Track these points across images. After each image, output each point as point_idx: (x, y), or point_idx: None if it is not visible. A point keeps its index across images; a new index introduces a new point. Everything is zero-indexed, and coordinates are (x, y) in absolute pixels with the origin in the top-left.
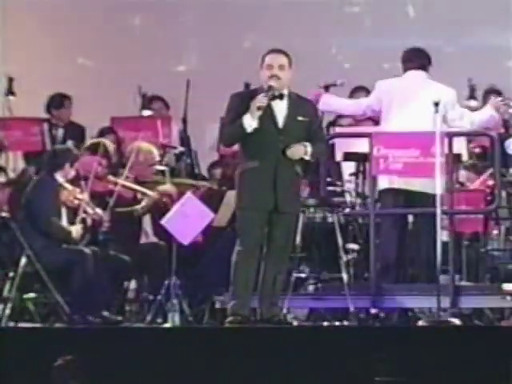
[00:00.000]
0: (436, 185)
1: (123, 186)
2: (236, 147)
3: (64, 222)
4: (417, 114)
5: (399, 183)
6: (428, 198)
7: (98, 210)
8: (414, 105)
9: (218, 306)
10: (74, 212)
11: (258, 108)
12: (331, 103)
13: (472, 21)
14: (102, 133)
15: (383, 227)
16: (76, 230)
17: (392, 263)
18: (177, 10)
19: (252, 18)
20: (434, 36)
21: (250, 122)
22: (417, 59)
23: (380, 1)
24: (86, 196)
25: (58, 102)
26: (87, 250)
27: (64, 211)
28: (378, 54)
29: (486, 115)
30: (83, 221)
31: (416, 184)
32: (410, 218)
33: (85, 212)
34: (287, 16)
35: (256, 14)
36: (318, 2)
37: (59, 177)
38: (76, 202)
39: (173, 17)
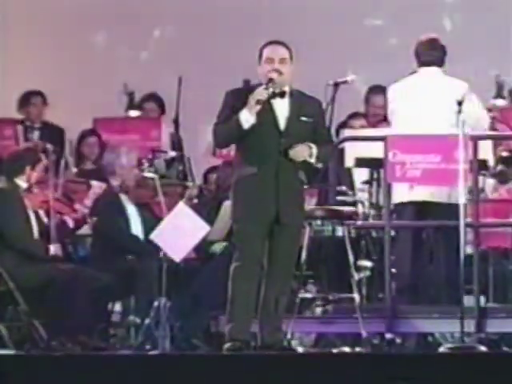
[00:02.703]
0: (459, 194)
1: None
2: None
3: (35, 230)
4: (432, 116)
5: (412, 195)
6: (445, 210)
7: (77, 206)
8: (429, 106)
9: (213, 330)
10: (47, 215)
11: (257, 102)
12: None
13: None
14: (84, 135)
15: (397, 242)
16: (54, 247)
17: (407, 282)
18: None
19: (252, 15)
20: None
21: (247, 118)
22: (430, 53)
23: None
24: (56, 195)
25: (24, 99)
26: (66, 268)
27: (33, 219)
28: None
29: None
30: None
31: (431, 194)
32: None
33: (59, 213)
34: (289, 10)
35: (255, 10)
36: None
37: (21, 182)
38: (45, 205)
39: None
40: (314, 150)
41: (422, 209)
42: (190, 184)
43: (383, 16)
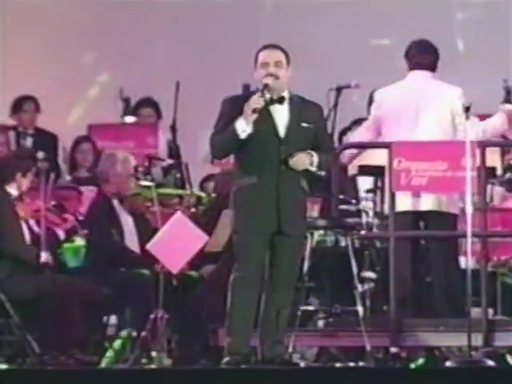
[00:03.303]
0: (466, 202)
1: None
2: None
3: (27, 239)
4: (426, 123)
5: (413, 204)
6: (444, 219)
7: (68, 216)
8: (422, 112)
9: (212, 343)
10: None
11: (254, 110)
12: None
13: None
14: (78, 142)
15: (396, 252)
16: (45, 255)
17: (409, 294)
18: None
19: (251, 17)
20: None
21: (243, 127)
22: (422, 56)
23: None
24: (48, 204)
25: (17, 104)
26: (59, 279)
27: (24, 228)
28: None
29: (499, 122)
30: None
31: (432, 203)
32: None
33: (52, 223)
34: (288, 14)
35: (255, 12)
36: None
37: (12, 190)
38: (36, 215)
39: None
40: (315, 157)
41: (420, 218)
42: (187, 193)
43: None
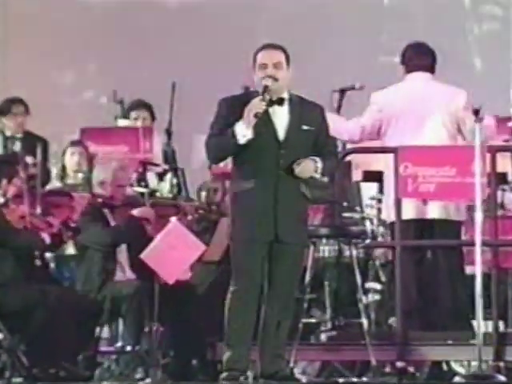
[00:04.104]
0: (476, 209)
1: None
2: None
3: None
4: (431, 126)
5: (417, 212)
6: (449, 227)
7: (53, 220)
8: (425, 115)
9: (210, 357)
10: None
11: (255, 115)
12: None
13: None
14: (70, 147)
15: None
16: None
17: (415, 306)
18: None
19: (250, 19)
20: None
21: (243, 132)
22: (420, 57)
23: None
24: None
25: (4, 107)
26: (50, 290)
27: None
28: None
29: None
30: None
31: (438, 211)
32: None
33: (37, 228)
34: (287, 13)
35: (254, 13)
36: None
37: None
38: (22, 221)
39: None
40: (319, 163)
41: (424, 227)
42: (183, 203)
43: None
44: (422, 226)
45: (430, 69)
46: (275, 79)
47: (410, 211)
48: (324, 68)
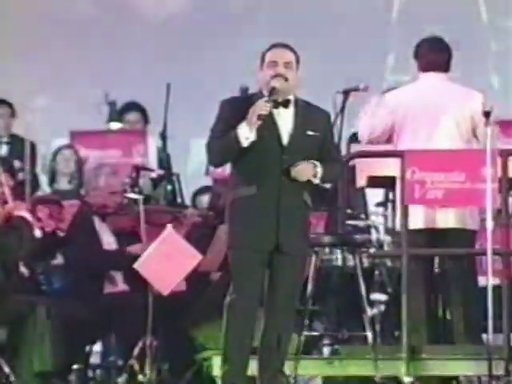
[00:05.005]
0: (487, 217)
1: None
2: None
3: None
4: (445, 130)
5: (429, 221)
6: (467, 236)
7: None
8: (440, 118)
9: (206, 372)
10: None
11: (259, 117)
12: None
13: None
14: (58, 150)
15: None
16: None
17: (423, 318)
18: None
19: (248, 18)
20: None
21: (246, 134)
22: (435, 54)
23: None
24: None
25: None
26: (39, 302)
27: None
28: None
29: None
30: None
31: (450, 219)
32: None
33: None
34: (290, 7)
35: (252, 12)
36: None
37: None
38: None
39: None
40: (319, 169)
41: (437, 236)
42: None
43: None
44: (435, 235)
45: (445, 66)
46: (285, 79)
47: (423, 220)
48: (327, 68)
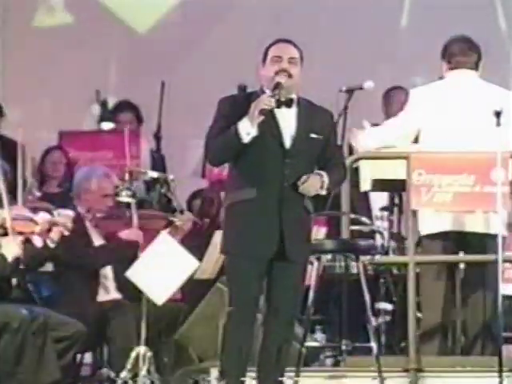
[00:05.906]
0: (497, 222)
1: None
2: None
3: None
4: (473, 131)
5: (444, 225)
6: (483, 241)
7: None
8: (468, 118)
9: None
10: None
11: (262, 111)
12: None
13: None
14: (47, 152)
15: (424, 281)
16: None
17: (436, 329)
18: None
19: (246, 17)
20: None
21: (247, 129)
22: (464, 54)
23: None
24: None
25: None
26: (25, 312)
27: None
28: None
29: None
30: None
31: (469, 222)
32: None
33: (21, 233)
34: (286, 7)
35: (252, 11)
36: None
37: None
38: (2, 230)
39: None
40: (326, 178)
41: (455, 242)
42: (175, 218)
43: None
44: (459, 240)
45: (475, 67)
46: (289, 75)
47: (448, 222)
48: (329, 67)
